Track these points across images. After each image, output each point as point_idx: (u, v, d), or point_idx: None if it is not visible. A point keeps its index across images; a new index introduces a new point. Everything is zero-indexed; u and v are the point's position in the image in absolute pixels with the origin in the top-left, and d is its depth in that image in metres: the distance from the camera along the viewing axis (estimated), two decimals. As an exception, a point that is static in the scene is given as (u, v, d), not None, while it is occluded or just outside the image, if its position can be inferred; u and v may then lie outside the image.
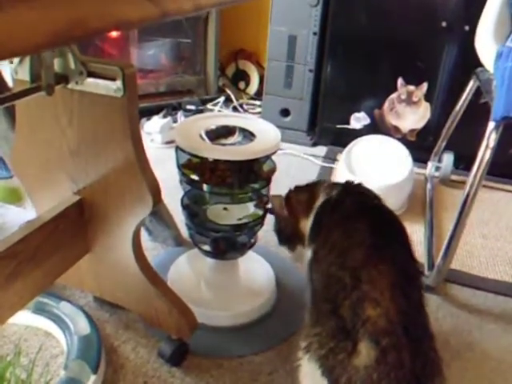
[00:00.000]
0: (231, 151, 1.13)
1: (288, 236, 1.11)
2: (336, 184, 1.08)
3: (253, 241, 1.24)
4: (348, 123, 2.28)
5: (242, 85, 2.80)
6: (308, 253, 0.99)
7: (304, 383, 0.85)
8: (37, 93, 0.85)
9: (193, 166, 1.14)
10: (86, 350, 1.04)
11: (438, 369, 0.77)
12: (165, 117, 2.29)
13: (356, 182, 1.07)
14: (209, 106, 2.59)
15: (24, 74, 0.87)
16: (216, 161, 1.10)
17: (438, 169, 2.05)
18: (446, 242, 1.35)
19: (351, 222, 0.92)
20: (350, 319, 0.77)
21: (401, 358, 0.73)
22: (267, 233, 1.19)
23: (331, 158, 2.19)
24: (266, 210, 1.20)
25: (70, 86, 0.90)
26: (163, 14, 0.42)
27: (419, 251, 1.56)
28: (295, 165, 2.13)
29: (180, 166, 1.15)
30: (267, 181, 1.17)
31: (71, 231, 1.03)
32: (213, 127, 1.24)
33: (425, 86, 2.10)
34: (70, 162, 1.00)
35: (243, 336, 1.20)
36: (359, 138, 1.88)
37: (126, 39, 2.41)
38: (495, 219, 1.82)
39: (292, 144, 2.27)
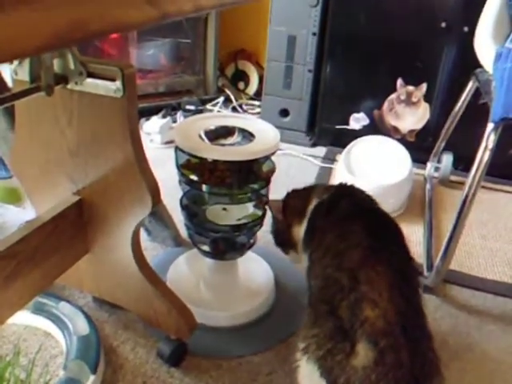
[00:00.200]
0: (230, 151, 1.13)
1: (282, 240, 1.12)
2: (329, 187, 1.09)
3: (252, 241, 1.24)
4: (347, 124, 2.28)
5: (241, 85, 2.80)
6: (305, 258, 1.00)
7: (302, 384, 0.85)
8: (36, 93, 0.85)
9: (192, 167, 1.14)
10: (85, 350, 1.04)
11: (437, 369, 0.77)
12: (164, 117, 2.29)
13: (349, 183, 1.07)
14: (208, 106, 2.59)
15: (24, 75, 0.87)
16: (215, 161, 1.10)
17: (437, 169, 2.06)
18: (445, 242, 1.35)
19: (346, 224, 0.93)
20: (347, 320, 0.77)
21: (399, 358, 0.73)
22: (266, 233, 1.19)
23: (330, 158, 2.20)
24: (266, 211, 1.21)
25: (69, 86, 0.90)
26: (163, 15, 0.43)
27: (418, 252, 1.56)
28: (294, 165, 2.13)
29: (179, 167, 1.15)
30: (266, 181, 1.17)
31: (70, 231, 1.03)
32: (212, 127, 1.25)
33: (424, 86, 2.11)
34: (70, 163, 1.00)
35: (242, 336, 1.20)
36: (358, 139, 1.88)
37: (125, 39, 2.41)
38: (494, 220, 1.82)
39: (291, 144, 2.27)
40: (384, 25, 2.11)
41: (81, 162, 0.99)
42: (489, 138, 1.26)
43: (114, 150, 0.94)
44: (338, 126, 2.30)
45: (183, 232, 1.42)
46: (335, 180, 1.91)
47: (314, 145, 2.35)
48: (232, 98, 2.67)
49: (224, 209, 1.22)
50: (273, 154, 1.14)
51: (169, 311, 1.07)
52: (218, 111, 2.54)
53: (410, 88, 2.12)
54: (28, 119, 0.99)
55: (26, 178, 1.09)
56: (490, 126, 1.26)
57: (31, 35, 0.29)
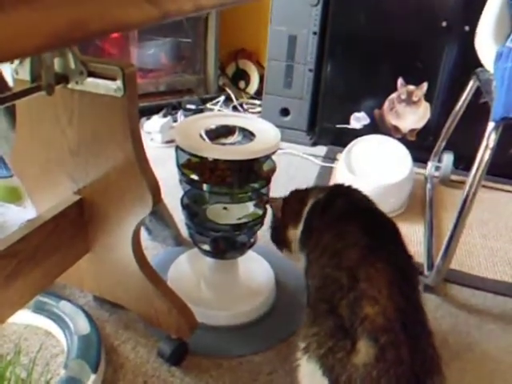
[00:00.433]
0: (231, 151, 1.13)
1: (278, 238, 1.13)
2: (326, 187, 1.10)
3: (252, 240, 1.24)
4: (348, 123, 2.28)
5: (242, 84, 2.80)
6: (302, 258, 1.00)
7: (303, 383, 0.85)
8: (37, 92, 0.85)
9: (193, 166, 1.14)
10: (85, 349, 1.04)
11: (437, 366, 0.78)
12: (165, 116, 2.29)
13: (346, 184, 1.08)
14: (209, 105, 2.59)
15: (24, 74, 0.87)
16: (216, 160, 1.10)
17: (437, 169, 2.06)
18: (445, 241, 1.35)
19: (343, 224, 0.93)
20: (348, 318, 0.77)
21: (400, 354, 0.73)
22: (267, 232, 1.19)
23: (331, 157, 2.20)
24: (266, 210, 1.21)
25: (70, 85, 0.90)
26: (163, 15, 0.43)
27: (419, 251, 1.56)
28: (295, 164, 2.13)
29: (180, 166, 1.15)
30: (267, 180, 1.17)
31: (71, 231, 1.04)
32: (213, 127, 1.25)
33: (425, 85, 2.11)
34: (70, 162, 1.00)
35: (243, 336, 1.21)
36: (359, 138, 1.88)
37: (126, 39, 2.41)
38: (495, 219, 1.82)
39: (292, 144, 2.27)
40: (384, 24, 2.11)
41: (81, 162, 0.99)
42: (489, 138, 1.26)
43: (114, 149, 0.94)
44: (338, 126, 2.30)
45: (184, 231, 1.42)
46: (336, 179, 1.91)
47: (314, 144, 2.35)
48: (233, 97, 2.67)
49: (224, 208, 1.22)
50: (273, 153, 1.14)
51: (169, 310, 1.07)
52: (219, 110, 2.54)
53: (411, 87, 2.12)
54: (29, 118, 0.99)
55: (26, 177, 1.09)
56: (491, 125, 1.26)
57: (31, 35, 0.29)
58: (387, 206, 1.66)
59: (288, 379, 1.08)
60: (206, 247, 1.22)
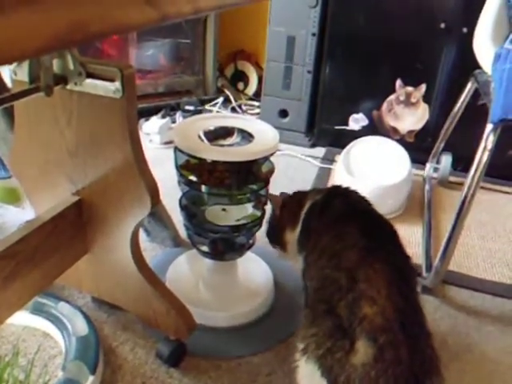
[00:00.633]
0: (230, 152, 1.13)
1: (273, 236, 1.13)
2: (323, 189, 1.10)
3: (251, 242, 1.24)
4: (346, 124, 2.28)
5: (240, 85, 2.80)
6: (300, 260, 1.01)
7: (302, 384, 0.85)
8: (36, 94, 0.85)
9: (191, 167, 1.14)
10: (84, 350, 1.04)
11: (436, 366, 0.78)
12: (163, 117, 2.29)
13: (344, 185, 1.08)
14: (207, 106, 2.59)
15: (23, 75, 0.87)
16: (214, 162, 1.10)
17: (436, 170, 2.06)
18: (443, 243, 1.35)
19: (341, 226, 0.94)
20: (346, 318, 0.77)
21: (398, 354, 0.73)
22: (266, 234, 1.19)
23: (330, 159, 2.20)
24: (265, 211, 1.21)
25: (68, 86, 0.90)
26: (163, 17, 0.43)
27: (417, 252, 1.57)
28: (294, 166, 2.13)
29: (178, 167, 1.15)
30: (266, 182, 1.18)
31: (70, 232, 1.04)
32: (211, 128, 1.24)
33: (423, 87, 2.11)
34: (69, 163, 1.00)
35: (241, 337, 1.20)
36: (358, 139, 1.89)
37: (124, 40, 2.41)
38: (493, 221, 1.83)
39: (290, 145, 2.28)
40: (383, 25, 2.11)
41: (80, 163, 0.99)
42: (488, 139, 1.26)
43: (113, 150, 0.94)
44: (337, 127, 2.30)
45: (182, 232, 1.42)
46: (334, 181, 1.92)
47: (313, 145, 2.35)
48: (231, 98, 2.67)
49: (223, 209, 1.22)
50: (272, 154, 1.14)
51: (168, 312, 1.07)
52: (218, 112, 2.54)
53: (409, 89, 2.13)
54: (27, 120, 0.99)
55: (25, 179, 1.09)
56: (489, 126, 1.26)
57: (31, 37, 0.29)
58: (385, 207, 1.66)
59: (287, 380, 1.08)
60: (205, 248, 1.22)
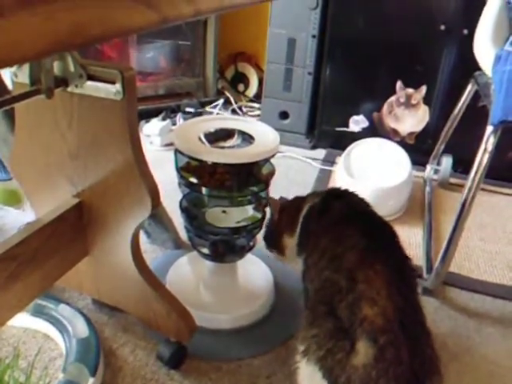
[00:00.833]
0: (230, 154, 1.13)
1: (272, 240, 1.13)
2: (321, 192, 1.10)
3: (252, 244, 1.24)
4: (347, 126, 2.28)
5: (241, 87, 2.80)
6: (300, 262, 1.01)
7: (302, 386, 0.85)
8: (36, 96, 0.85)
9: (192, 169, 1.14)
10: (84, 352, 1.04)
11: (436, 366, 0.78)
12: (164, 119, 2.29)
13: (342, 187, 1.09)
14: (208, 108, 2.59)
15: (24, 77, 0.87)
16: (215, 164, 1.10)
17: (436, 172, 2.06)
18: (444, 244, 1.35)
19: (340, 228, 0.94)
20: (347, 319, 0.77)
21: (399, 355, 0.73)
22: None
23: (330, 160, 2.20)
24: (265, 213, 1.21)
25: (69, 89, 0.90)
26: (163, 19, 0.43)
27: (418, 254, 1.56)
28: (294, 168, 2.13)
29: (179, 169, 1.15)
30: (266, 184, 1.18)
31: (70, 234, 1.04)
32: (212, 130, 1.25)
33: (424, 89, 2.11)
34: (70, 165, 1.00)
35: (242, 339, 1.20)
36: (358, 141, 1.89)
37: (125, 42, 2.41)
38: (493, 222, 1.82)
39: (291, 147, 2.28)
40: (383, 27, 2.12)
41: (81, 165, 0.99)
42: (488, 141, 1.26)
43: (113, 152, 0.94)
44: (337, 129, 2.30)
45: (183, 234, 1.42)
46: (335, 182, 1.92)
47: (313, 147, 2.35)
48: (232, 100, 2.67)
49: (224, 211, 1.22)
50: (272, 156, 1.14)
51: (168, 314, 1.07)
52: (218, 113, 2.54)
53: (410, 90, 2.13)
54: (28, 122, 0.99)
55: (25, 181, 1.09)
56: (489, 128, 1.27)
57: (31, 40, 0.29)
58: (386, 209, 1.67)
59: (287, 382, 1.08)
60: (205, 250, 1.22)
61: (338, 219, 0.97)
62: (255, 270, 1.37)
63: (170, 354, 1.09)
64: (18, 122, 1.01)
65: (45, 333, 1.15)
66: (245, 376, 1.10)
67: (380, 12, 2.11)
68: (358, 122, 2.26)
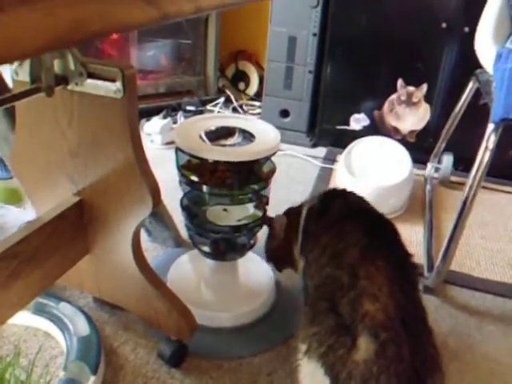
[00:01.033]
0: (231, 152, 1.13)
1: (278, 257, 1.13)
2: (317, 195, 1.10)
3: (252, 242, 1.24)
4: (348, 124, 2.28)
5: (241, 86, 2.80)
6: (301, 263, 1.01)
7: (304, 383, 0.85)
8: (37, 94, 0.85)
9: (192, 167, 1.14)
10: (85, 350, 1.04)
11: (437, 364, 0.78)
12: (165, 118, 2.29)
13: (341, 188, 1.09)
14: (208, 106, 2.59)
15: (24, 75, 0.87)
16: (216, 162, 1.10)
17: (437, 170, 2.06)
18: (445, 243, 1.35)
19: (342, 225, 0.94)
20: (348, 315, 0.77)
21: (400, 352, 0.73)
22: (266, 233, 1.19)
23: (331, 159, 2.20)
24: (266, 211, 1.21)
25: (69, 87, 0.90)
26: (163, 16, 0.43)
27: (418, 252, 1.56)
28: (295, 166, 2.13)
29: (180, 167, 1.15)
30: (267, 182, 1.17)
31: (71, 232, 1.04)
32: (212, 128, 1.24)
33: (424, 87, 2.11)
34: (70, 163, 1.00)
35: (243, 337, 1.20)
36: (359, 139, 1.89)
37: (125, 40, 2.41)
38: (495, 220, 1.82)
39: (292, 145, 2.27)
40: (384, 25, 2.11)
41: (81, 163, 0.99)
42: (489, 139, 1.26)
43: (114, 150, 0.94)
44: (338, 127, 2.30)
45: (183, 233, 1.42)
46: (336, 181, 1.91)
47: (314, 145, 2.35)
48: (232, 98, 2.67)
49: (224, 209, 1.22)
50: (273, 154, 1.14)
51: (169, 312, 1.07)
52: (219, 112, 2.54)
53: (411, 88, 2.12)
54: (28, 120, 0.99)
55: (26, 179, 1.09)
56: (491, 126, 1.26)
57: (31, 36, 0.29)
58: (387, 207, 1.66)
59: (288, 380, 1.08)
60: (206, 249, 1.22)
61: (338, 217, 0.98)
62: (256, 268, 1.37)
63: (170, 353, 1.09)
64: (18, 120, 1.00)
65: (46, 331, 1.15)
66: (246, 374, 1.10)
67: (381, 10, 2.10)
68: (358, 121, 2.26)
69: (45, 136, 0.99)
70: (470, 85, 1.75)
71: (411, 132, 2.20)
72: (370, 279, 0.79)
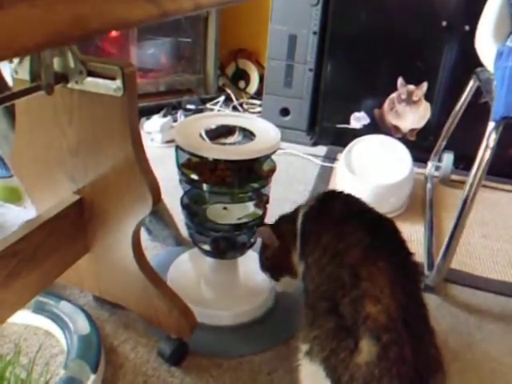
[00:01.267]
0: (231, 151, 1.13)
1: (275, 266, 1.12)
2: (314, 197, 1.09)
3: (252, 240, 1.24)
4: (348, 123, 2.27)
5: (241, 84, 2.80)
6: (301, 265, 1.00)
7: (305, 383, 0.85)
8: (36, 92, 0.85)
9: (193, 166, 1.14)
10: (85, 349, 1.04)
11: (440, 365, 0.77)
12: (165, 116, 2.28)
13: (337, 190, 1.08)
14: (209, 105, 2.59)
15: (24, 74, 0.87)
16: (216, 160, 1.10)
17: (438, 168, 2.05)
18: (445, 241, 1.34)
19: (342, 225, 0.93)
20: (350, 316, 0.77)
21: (402, 353, 0.73)
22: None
23: (331, 157, 2.19)
24: (266, 210, 1.21)
25: (69, 85, 0.90)
26: (163, 13, 0.42)
27: (419, 251, 1.56)
28: (295, 164, 2.13)
29: (180, 166, 1.15)
30: (267, 180, 1.17)
31: (71, 231, 1.03)
32: (213, 127, 1.24)
33: (425, 85, 2.10)
34: (70, 162, 1.00)
35: (243, 335, 1.20)
36: (359, 138, 1.88)
37: (125, 38, 2.40)
38: (495, 219, 1.82)
39: (292, 143, 2.27)
40: (385, 24, 2.11)
41: (81, 161, 0.99)
42: (490, 137, 1.26)
43: (114, 149, 0.94)
44: (338, 125, 2.30)
45: (184, 231, 1.42)
46: (336, 179, 1.91)
47: (314, 144, 2.35)
48: (232, 97, 2.66)
49: (224, 208, 1.22)
50: (273, 153, 1.13)
51: (169, 310, 1.06)
52: (219, 110, 2.54)
53: (411, 87, 2.12)
54: (28, 118, 0.99)
55: (26, 178, 1.09)
56: (491, 124, 1.26)
57: (31, 32, 0.29)
58: (387, 205, 1.66)
59: (288, 378, 1.08)
60: (206, 247, 1.22)
61: (339, 217, 0.97)
62: (256, 267, 1.36)
63: (170, 351, 1.09)
64: (18, 118, 1.00)
65: (46, 329, 1.15)
66: (246, 372, 1.10)
67: (381, 8, 2.10)
68: (359, 119, 2.26)
69: (45, 134, 0.99)
70: (471, 83, 1.75)
71: (411, 130, 2.20)
72: (372, 280, 0.79)
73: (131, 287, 1.09)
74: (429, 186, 1.99)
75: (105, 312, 1.22)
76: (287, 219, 1.11)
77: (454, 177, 2.02)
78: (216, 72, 2.66)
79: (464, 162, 2.00)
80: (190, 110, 2.42)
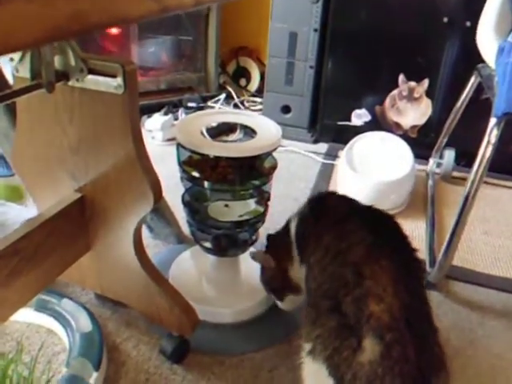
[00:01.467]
0: (232, 148, 1.13)
1: (276, 286, 1.13)
2: (302, 207, 1.08)
3: (254, 238, 1.24)
4: (349, 120, 2.27)
5: (242, 82, 2.80)
6: (302, 270, 1.00)
7: (307, 382, 0.84)
8: (37, 90, 0.85)
9: (194, 163, 1.14)
10: (87, 347, 1.04)
11: (443, 364, 0.77)
12: (166, 114, 2.28)
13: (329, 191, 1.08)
14: (210, 103, 2.58)
15: (24, 72, 0.87)
16: (217, 158, 1.10)
17: (439, 165, 2.05)
18: (447, 238, 1.34)
19: (344, 224, 0.93)
20: (353, 315, 0.77)
21: (405, 352, 0.73)
22: (268, 229, 1.19)
23: (332, 154, 2.19)
24: (268, 207, 1.21)
25: (70, 83, 0.90)
26: (163, 8, 0.42)
27: (421, 247, 1.56)
28: (296, 162, 2.13)
29: (181, 163, 1.15)
30: (268, 177, 1.17)
31: (72, 229, 1.03)
32: (214, 124, 1.25)
33: (426, 82, 2.10)
34: (71, 160, 1.00)
35: (244, 333, 1.20)
36: (360, 135, 1.88)
37: (126, 36, 2.40)
38: (497, 216, 1.82)
39: (293, 141, 2.27)
40: (385, 20, 2.10)
41: (82, 159, 0.99)
42: (491, 133, 1.25)
43: (115, 147, 0.94)
44: (339, 123, 2.29)
45: (185, 229, 1.42)
46: (337, 176, 1.91)
47: (315, 141, 2.35)
48: (233, 94, 2.66)
49: (226, 205, 1.22)
50: (274, 150, 1.13)
51: (171, 308, 1.07)
52: (220, 108, 2.54)
53: (412, 84, 2.12)
54: (29, 116, 0.99)
55: (27, 176, 1.09)
56: (493, 121, 1.26)
57: (29, 27, 0.29)
58: (388, 202, 1.66)
59: (289, 376, 1.08)
60: (208, 245, 1.22)
61: (338, 217, 0.97)
62: (258, 264, 1.37)
63: (172, 349, 1.09)
64: (19, 116, 1.00)
65: (48, 327, 1.15)
66: (247, 370, 1.10)
67: (382, 5, 2.09)
68: (360, 116, 2.26)
69: (45, 132, 0.99)
70: (472, 79, 1.74)
71: (413, 127, 2.20)
72: (375, 279, 0.79)
73: (133, 285, 1.09)
74: (430, 182, 1.98)
75: (107, 310, 1.22)
76: (277, 236, 1.12)
77: (455, 173, 2.02)
78: (217, 70, 2.66)
79: (465, 158, 1.99)
80: (190, 107, 2.42)
